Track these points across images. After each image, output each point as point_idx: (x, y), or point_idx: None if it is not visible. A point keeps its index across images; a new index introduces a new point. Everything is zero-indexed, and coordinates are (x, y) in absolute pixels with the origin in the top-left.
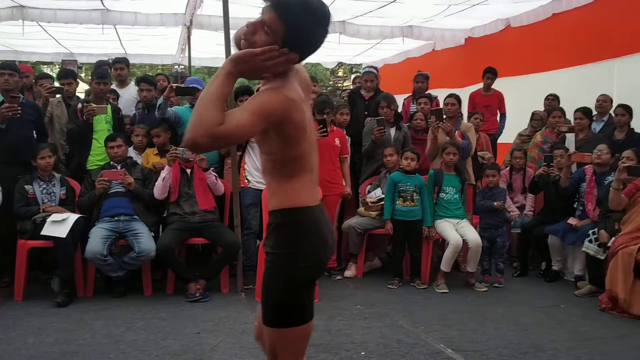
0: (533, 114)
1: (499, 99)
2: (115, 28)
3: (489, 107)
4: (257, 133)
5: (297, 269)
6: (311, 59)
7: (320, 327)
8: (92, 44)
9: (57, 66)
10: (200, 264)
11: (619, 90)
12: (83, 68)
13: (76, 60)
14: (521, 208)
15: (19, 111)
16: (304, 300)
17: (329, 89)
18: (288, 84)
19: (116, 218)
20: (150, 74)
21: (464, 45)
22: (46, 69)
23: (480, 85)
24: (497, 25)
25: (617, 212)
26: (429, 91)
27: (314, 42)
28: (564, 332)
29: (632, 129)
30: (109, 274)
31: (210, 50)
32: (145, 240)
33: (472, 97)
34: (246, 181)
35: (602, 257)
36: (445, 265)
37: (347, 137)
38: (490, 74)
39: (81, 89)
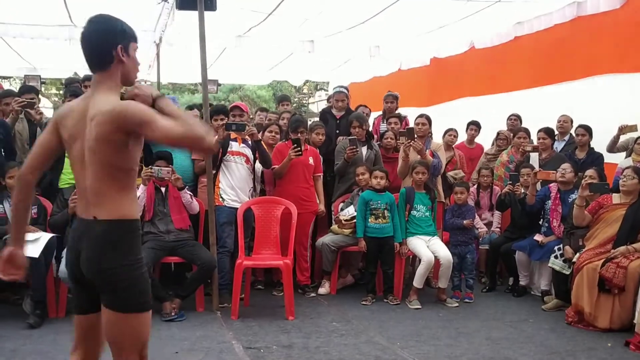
0: (498, 133)
1: (482, 152)
2: None
3: (473, 160)
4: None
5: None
6: (279, 76)
7: (299, 345)
8: (57, 59)
9: (18, 81)
10: (173, 283)
11: (578, 111)
12: (47, 83)
13: (39, 76)
14: (488, 225)
15: None
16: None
17: (294, 105)
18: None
19: None
20: None
21: (429, 65)
22: (5, 84)
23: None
24: (462, 47)
25: (581, 228)
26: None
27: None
28: (533, 345)
29: (592, 148)
30: None
31: (178, 66)
32: None
33: (456, 148)
34: (221, 199)
35: (568, 273)
36: (417, 282)
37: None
38: (474, 125)
39: (40, 104)
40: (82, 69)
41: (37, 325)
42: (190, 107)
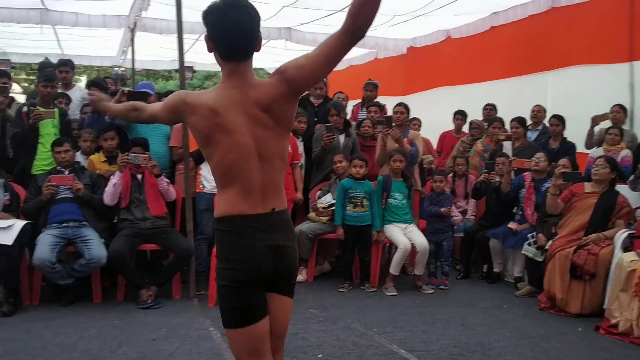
0: (471, 123)
1: None
2: (55, 28)
3: None
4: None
5: (221, 273)
6: (256, 63)
7: None
8: (27, 44)
9: None
10: (149, 271)
11: (552, 101)
12: (16, 68)
13: (9, 60)
14: (463, 213)
15: None
16: (237, 303)
17: None
18: (206, 91)
19: (65, 224)
20: (86, 75)
21: (406, 55)
22: None
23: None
24: (438, 36)
25: (554, 216)
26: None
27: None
28: (507, 331)
29: (565, 138)
30: (57, 281)
31: (152, 52)
32: (95, 246)
33: (443, 137)
34: (202, 186)
35: (541, 260)
36: (394, 269)
37: (298, 142)
38: (460, 115)
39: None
40: (54, 54)
41: (10, 313)
42: (166, 94)
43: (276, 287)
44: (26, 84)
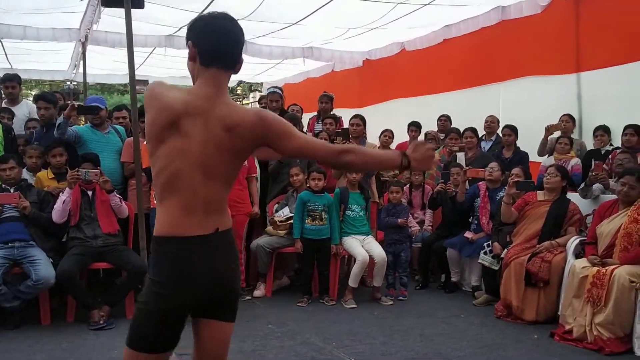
0: (426, 134)
1: None
2: (1, 42)
3: None
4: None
5: (149, 294)
6: None
7: (234, 349)
8: None
9: None
10: (101, 290)
11: (504, 111)
12: None
13: None
14: (420, 223)
15: None
16: (151, 331)
17: None
18: (178, 89)
19: (10, 244)
20: (37, 90)
21: (362, 67)
22: None
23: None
24: (393, 49)
25: (508, 225)
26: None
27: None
28: (465, 340)
29: (518, 147)
30: (2, 304)
31: (105, 66)
32: (43, 266)
33: (398, 148)
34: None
35: (497, 268)
36: (352, 281)
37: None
38: (415, 127)
39: None
40: (1, 68)
41: None
42: (119, 108)
43: (215, 312)
44: None
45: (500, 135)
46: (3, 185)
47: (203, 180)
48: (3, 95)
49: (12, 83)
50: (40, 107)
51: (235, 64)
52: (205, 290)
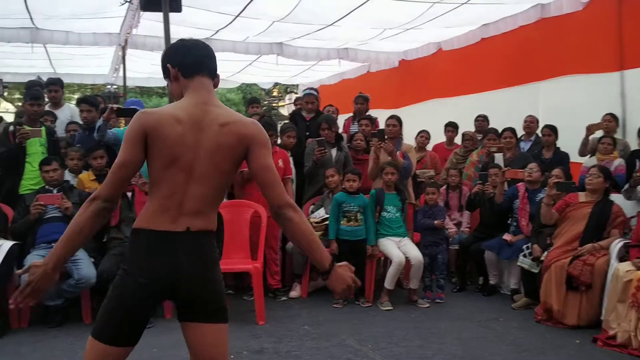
0: (464, 134)
1: None
2: (45, 47)
3: None
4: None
5: (116, 283)
6: (248, 79)
7: (270, 350)
8: (19, 62)
9: None
10: None
11: (544, 111)
12: (9, 87)
13: (0, 79)
14: (457, 225)
15: None
16: (111, 316)
17: (264, 108)
18: (165, 106)
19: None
20: (79, 94)
21: (398, 67)
22: None
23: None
24: (429, 49)
25: (548, 227)
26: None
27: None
28: (504, 344)
29: (558, 147)
30: (46, 302)
31: (144, 70)
32: (85, 266)
33: (435, 149)
34: None
35: (536, 271)
36: (388, 283)
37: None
38: (452, 127)
39: (2, 108)
40: (46, 73)
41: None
42: None
43: (195, 314)
44: (19, 103)
45: (540, 135)
46: (46, 187)
47: (185, 181)
48: (47, 99)
49: (55, 87)
50: (82, 110)
51: (214, 72)
52: (164, 285)
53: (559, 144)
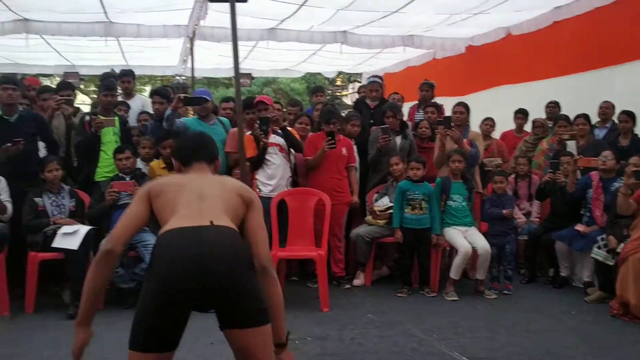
0: (534, 121)
1: None
2: (118, 40)
3: None
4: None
5: (144, 291)
6: (313, 68)
7: (333, 337)
8: (94, 56)
9: (57, 78)
10: None
11: (620, 96)
12: (85, 80)
13: (77, 72)
14: (527, 215)
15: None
16: (139, 325)
17: (327, 97)
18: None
19: None
20: (150, 85)
21: (465, 54)
22: (45, 81)
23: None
24: (498, 34)
25: (625, 217)
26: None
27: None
28: (576, 338)
29: (636, 134)
30: (120, 285)
31: (211, 60)
32: None
33: (503, 136)
34: (258, 190)
35: (612, 263)
36: (454, 273)
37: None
38: (521, 114)
39: (79, 100)
40: (119, 65)
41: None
42: (227, 100)
43: (232, 320)
44: (95, 96)
45: (616, 122)
46: (119, 174)
47: (197, 198)
48: (120, 90)
49: (127, 78)
50: (155, 102)
51: (214, 157)
52: (191, 280)
53: (637, 130)
